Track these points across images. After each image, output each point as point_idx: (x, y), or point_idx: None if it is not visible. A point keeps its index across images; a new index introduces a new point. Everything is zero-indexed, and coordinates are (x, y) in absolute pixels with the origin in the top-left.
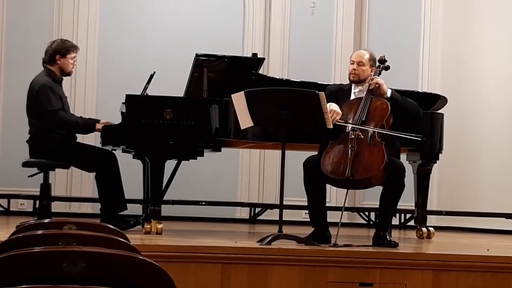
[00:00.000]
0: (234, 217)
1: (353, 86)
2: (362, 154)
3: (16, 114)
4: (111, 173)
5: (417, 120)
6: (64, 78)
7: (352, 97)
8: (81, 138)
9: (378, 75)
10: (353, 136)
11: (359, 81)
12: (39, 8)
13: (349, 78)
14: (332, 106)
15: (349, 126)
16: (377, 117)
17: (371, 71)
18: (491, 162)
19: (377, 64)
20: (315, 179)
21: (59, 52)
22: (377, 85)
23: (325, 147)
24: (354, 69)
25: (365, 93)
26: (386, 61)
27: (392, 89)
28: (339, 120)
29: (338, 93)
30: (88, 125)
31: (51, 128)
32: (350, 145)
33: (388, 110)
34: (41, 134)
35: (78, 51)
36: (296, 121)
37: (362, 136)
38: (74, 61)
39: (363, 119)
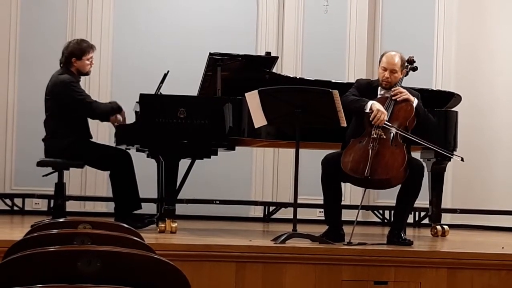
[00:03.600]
0: (248, 215)
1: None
2: (383, 154)
3: (30, 114)
4: (125, 172)
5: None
6: (82, 77)
7: (378, 96)
8: (95, 137)
9: (406, 76)
10: (375, 136)
11: (391, 88)
12: (53, 9)
13: (381, 84)
14: (376, 105)
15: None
16: (401, 118)
17: (401, 74)
18: (506, 160)
19: (406, 64)
20: (333, 177)
21: (74, 55)
22: (403, 98)
23: (346, 144)
24: (387, 77)
25: (390, 93)
26: (414, 61)
27: (418, 100)
28: (386, 123)
29: (367, 88)
30: (115, 109)
31: (69, 125)
32: (371, 144)
33: (412, 112)
34: (57, 133)
35: (95, 50)
36: (310, 119)
37: (384, 136)
38: (91, 61)
39: (387, 119)
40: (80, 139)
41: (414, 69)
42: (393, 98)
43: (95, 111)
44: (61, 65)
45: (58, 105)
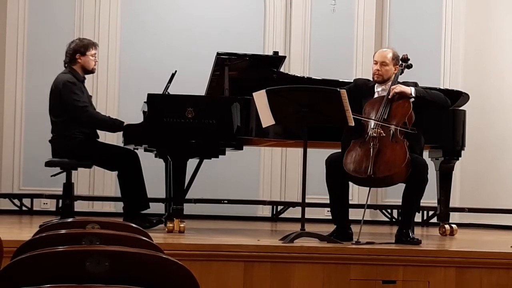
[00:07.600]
0: (256, 215)
1: (376, 85)
2: (384, 152)
3: (38, 115)
4: (133, 172)
5: (445, 109)
6: (87, 77)
7: (375, 95)
8: (103, 138)
9: (401, 74)
10: (375, 134)
11: (383, 81)
12: (60, 9)
13: (373, 78)
14: None
15: (371, 124)
16: (399, 115)
17: (395, 70)
18: None
19: (400, 63)
20: (337, 177)
21: (78, 51)
22: (398, 94)
23: (346, 144)
24: (378, 70)
25: (387, 92)
26: (408, 59)
27: (415, 87)
28: (354, 114)
29: (363, 88)
30: (116, 125)
31: (76, 125)
32: (372, 143)
33: (410, 108)
34: (64, 134)
35: (98, 47)
36: (317, 119)
37: (384, 134)
38: (95, 57)
39: (385, 117)
40: (87, 139)
41: (409, 66)
42: (390, 96)
43: (90, 118)
44: (65, 65)
45: (59, 105)
